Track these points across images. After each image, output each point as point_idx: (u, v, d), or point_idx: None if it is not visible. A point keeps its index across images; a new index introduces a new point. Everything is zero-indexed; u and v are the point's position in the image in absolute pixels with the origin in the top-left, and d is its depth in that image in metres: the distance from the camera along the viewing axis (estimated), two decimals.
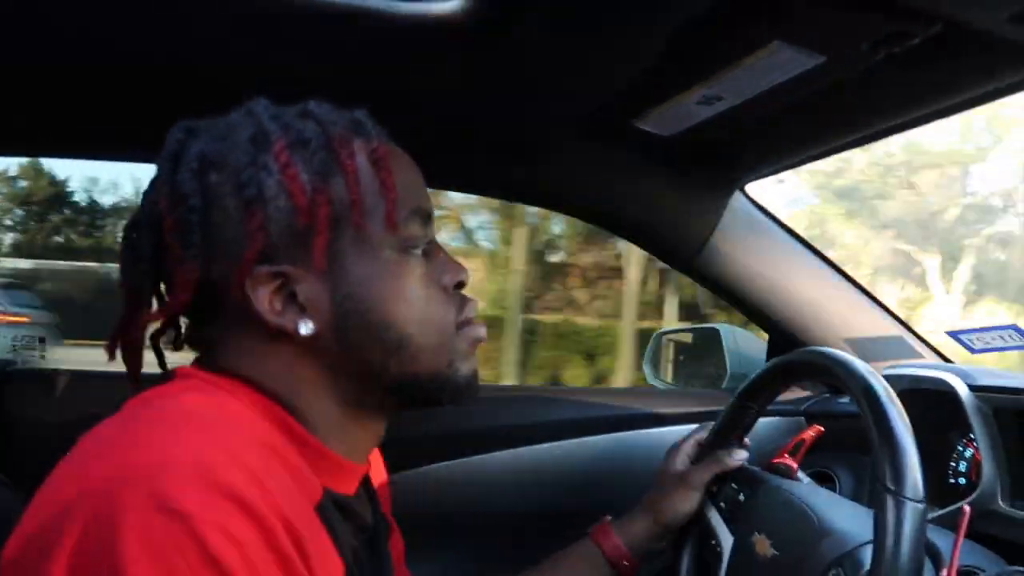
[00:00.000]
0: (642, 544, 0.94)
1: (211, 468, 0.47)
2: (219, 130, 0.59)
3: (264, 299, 0.57)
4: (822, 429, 1.03)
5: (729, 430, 0.99)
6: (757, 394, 0.96)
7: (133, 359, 0.62)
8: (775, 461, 0.96)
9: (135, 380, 0.62)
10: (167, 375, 0.60)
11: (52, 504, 0.47)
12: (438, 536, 1.20)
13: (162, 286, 0.62)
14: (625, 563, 0.93)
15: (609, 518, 0.97)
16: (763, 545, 0.83)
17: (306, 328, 0.58)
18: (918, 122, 0.90)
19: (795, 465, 0.98)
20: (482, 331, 0.67)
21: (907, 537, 0.62)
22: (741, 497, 0.92)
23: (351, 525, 0.63)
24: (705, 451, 0.98)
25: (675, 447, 0.99)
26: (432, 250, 0.64)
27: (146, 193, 0.60)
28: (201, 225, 0.57)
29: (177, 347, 0.64)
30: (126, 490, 0.45)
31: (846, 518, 0.80)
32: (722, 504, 0.94)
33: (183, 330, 0.65)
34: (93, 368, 1.23)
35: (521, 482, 1.27)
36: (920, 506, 0.64)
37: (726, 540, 0.90)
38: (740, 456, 0.95)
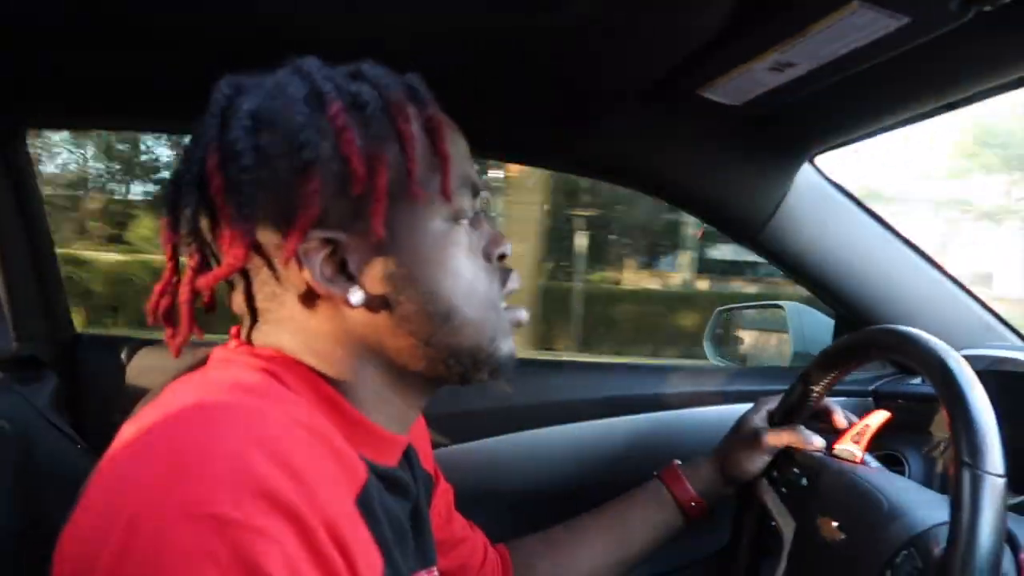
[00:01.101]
0: (708, 489, 0.96)
1: (247, 467, 0.45)
2: (268, 88, 0.57)
3: (316, 266, 0.56)
4: (889, 415, 0.99)
5: (792, 410, 0.97)
6: (822, 374, 0.94)
7: (179, 321, 0.61)
8: (836, 446, 0.94)
9: (178, 347, 0.62)
10: (204, 353, 0.60)
11: (95, 510, 0.47)
12: (479, 515, 1.21)
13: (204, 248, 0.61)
14: (693, 504, 0.95)
15: (678, 462, 0.98)
16: (829, 528, 0.81)
17: (356, 297, 0.57)
18: (1006, 88, 0.84)
19: (859, 455, 0.95)
20: (524, 315, 0.67)
21: (986, 512, 0.60)
22: (804, 482, 0.90)
23: (397, 496, 0.63)
24: (780, 418, 0.97)
25: (761, 401, 0.99)
26: (478, 221, 0.64)
27: (188, 149, 0.58)
28: (254, 185, 0.55)
29: (209, 310, 0.63)
30: (162, 495, 0.45)
31: (917, 501, 0.78)
32: (783, 489, 0.92)
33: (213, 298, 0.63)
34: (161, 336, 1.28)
35: (577, 458, 1.26)
36: (1000, 480, 0.61)
37: (787, 525, 0.88)
38: (817, 443, 0.93)
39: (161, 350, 1.31)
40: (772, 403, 0.98)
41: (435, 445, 1.13)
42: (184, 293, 0.60)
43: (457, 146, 0.62)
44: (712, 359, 1.56)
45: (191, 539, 0.43)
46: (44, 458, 0.86)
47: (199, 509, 0.44)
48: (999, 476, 0.61)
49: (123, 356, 1.29)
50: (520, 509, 1.27)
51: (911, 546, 0.70)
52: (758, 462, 0.94)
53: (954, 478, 0.63)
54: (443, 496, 0.84)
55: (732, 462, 0.95)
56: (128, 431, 0.51)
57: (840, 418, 0.95)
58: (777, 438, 0.94)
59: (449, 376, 0.63)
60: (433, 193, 0.59)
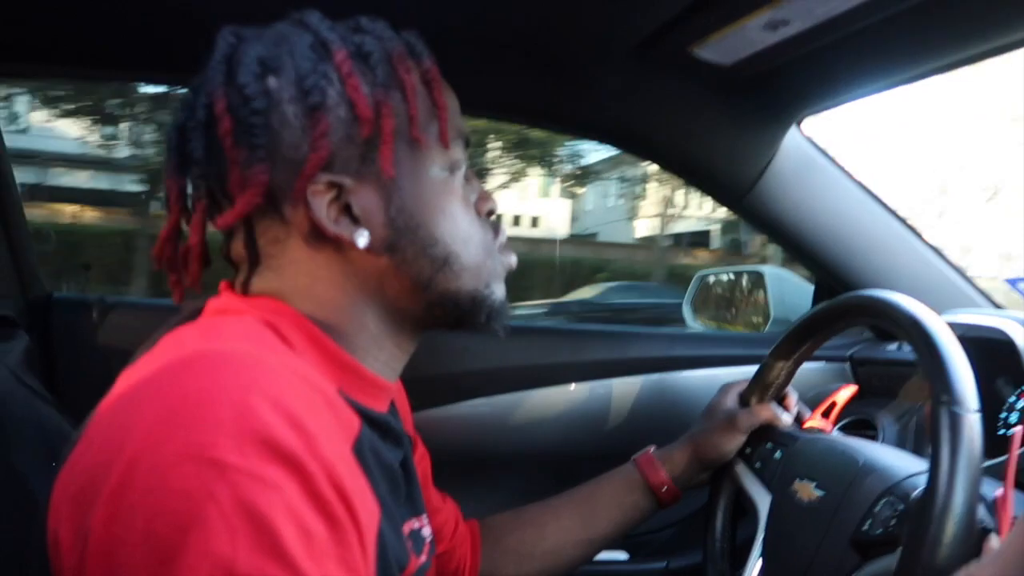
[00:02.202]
0: (682, 475, 0.96)
1: (249, 415, 0.45)
2: (272, 37, 0.59)
3: (322, 208, 0.57)
4: (856, 388, 1.01)
5: (772, 379, 0.98)
6: (794, 346, 0.94)
7: (185, 268, 0.62)
8: (807, 424, 0.95)
9: (181, 292, 0.63)
10: (196, 306, 0.60)
11: (95, 449, 0.47)
12: (466, 475, 1.21)
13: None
14: (665, 489, 0.95)
15: (653, 448, 0.98)
16: (806, 489, 0.82)
17: (362, 239, 0.59)
18: (1001, 50, 0.84)
19: (829, 427, 0.97)
20: (514, 259, 0.69)
21: (964, 447, 0.61)
22: (777, 455, 0.91)
23: (390, 443, 0.64)
24: (752, 396, 0.97)
25: (728, 386, 1.00)
26: (470, 176, 0.67)
27: (192, 95, 0.59)
28: (265, 128, 0.56)
29: (206, 264, 0.64)
30: (164, 438, 0.45)
31: (891, 456, 0.80)
32: (757, 464, 0.93)
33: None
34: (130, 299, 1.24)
35: (558, 421, 1.27)
36: (975, 416, 0.63)
37: (763, 500, 0.89)
38: (790, 416, 0.95)
39: (134, 310, 1.28)
40: (740, 385, 0.99)
41: (414, 409, 1.13)
42: (194, 235, 0.61)
43: (451, 99, 0.64)
44: (691, 324, 1.57)
45: (193, 480, 0.43)
46: (15, 416, 0.84)
47: (201, 453, 0.44)
48: (975, 412, 0.63)
49: (96, 316, 1.25)
50: (500, 472, 1.28)
51: (889, 494, 0.71)
52: (734, 443, 0.95)
53: (931, 417, 0.64)
54: (420, 462, 0.84)
55: (708, 446, 0.95)
56: (128, 376, 0.51)
57: (793, 402, 0.97)
58: (751, 418, 0.94)
59: (446, 319, 0.65)
60: (432, 140, 0.61)
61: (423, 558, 0.67)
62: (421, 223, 0.61)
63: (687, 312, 1.56)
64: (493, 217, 0.69)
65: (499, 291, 0.67)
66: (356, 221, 0.59)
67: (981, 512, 0.64)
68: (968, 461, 0.61)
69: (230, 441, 0.44)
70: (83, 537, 0.45)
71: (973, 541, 0.61)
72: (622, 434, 1.28)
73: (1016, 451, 0.66)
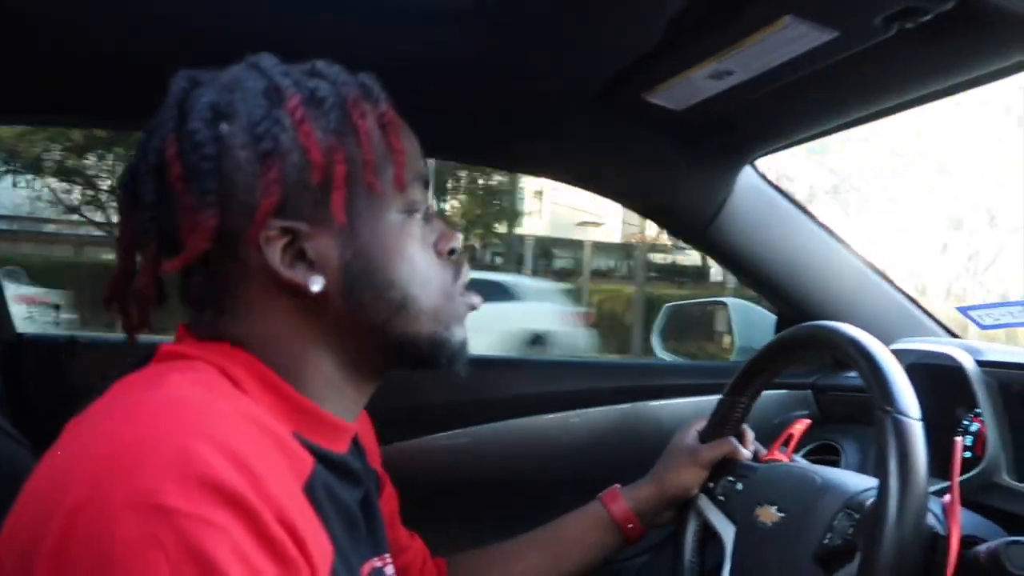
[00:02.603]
0: (648, 512, 0.96)
1: (194, 459, 0.45)
2: (225, 82, 0.59)
3: (275, 253, 0.57)
4: (809, 422, 1.04)
5: (731, 411, 1.00)
6: (757, 373, 0.97)
7: (136, 311, 0.62)
8: (766, 458, 0.98)
9: (133, 334, 0.63)
10: (151, 349, 0.60)
11: (37, 500, 0.47)
12: (442, 505, 1.22)
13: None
14: (631, 526, 0.95)
15: (618, 485, 0.99)
16: (767, 514, 0.84)
17: (317, 284, 0.58)
18: (931, 97, 0.89)
19: (786, 459, 0.99)
20: (477, 299, 0.69)
21: (909, 451, 0.64)
22: (739, 487, 0.93)
23: (348, 483, 0.64)
24: (712, 431, 0.99)
25: (688, 424, 1.01)
26: (429, 216, 0.66)
27: (145, 140, 0.60)
28: (215, 174, 0.56)
29: (160, 302, 0.63)
30: (107, 486, 0.45)
31: (848, 476, 0.82)
32: (720, 498, 0.95)
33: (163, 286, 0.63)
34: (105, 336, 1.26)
35: (527, 452, 1.28)
36: (917, 423, 0.66)
37: (727, 531, 0.91)
38: (749, 450, 0.96)
39: (104, 350, 1.29)
40: (699, 423, 1.01)
41: (386, 441, 1.15)
42: (144, 279, 0.60)
43: (409, 142, 0.64)
44: (660, 355, 1.60)
45: (137, 529, 0.43)
46: None
47: (144, 500, 0.44)
48: (916, 420, 0.66)
49: (66, 356, 1.26)
50: (474, 503, 1.29)
51: (846, 507, 0.74)
52: (696, 479, 0.96)
53: (877, 428, 0.67)
54: (388, 502, 0.84)
55: (671, 482, 0.96)
56: (73, 427, 0.51)
57: (750, 438, 0.99)
58: (712, 452, 0.96)
59: (405, 361, 0.65)
60: (388, 185, 0.61)
61: None
62: (377, 267, 0.61)
63: (656, 343, 1.59)
64: (455, 256, 0.68)
65: (459, 333, 0.66)
66: (311, 266, 0.59)
67: (932, 521, 0.67)
68: (914, 464, 0.64)
69: (174, 486, 0.44)
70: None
71: (925, 543, 0.65)
72: (594, 464, 1.30)
73: (959, 456, 0.70)
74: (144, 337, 0.64)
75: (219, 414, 0.50)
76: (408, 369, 0.67)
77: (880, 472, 0.66)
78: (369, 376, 0.65)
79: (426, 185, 0.66)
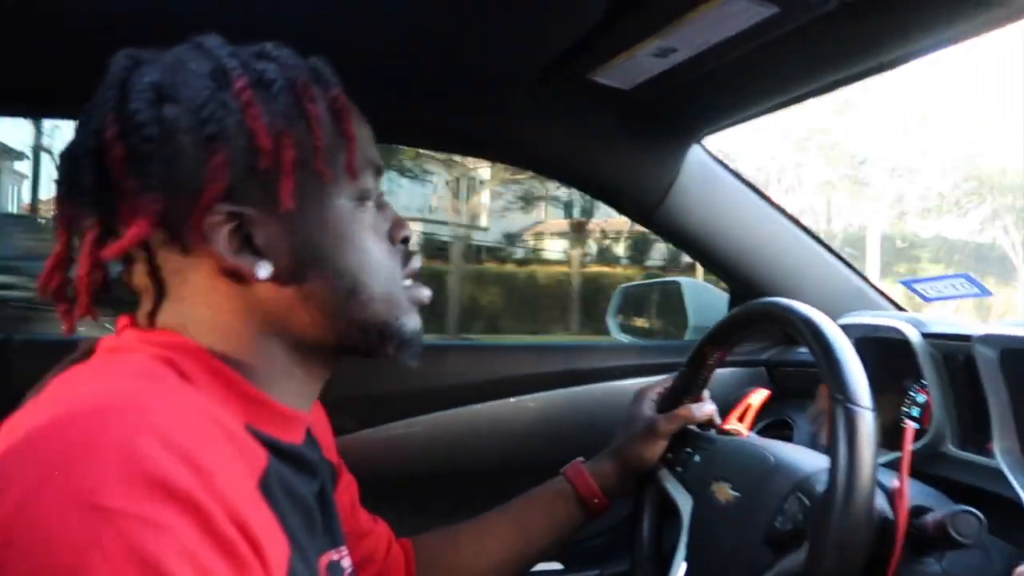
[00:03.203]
0: (611, 485, 0.97)
1: (137, 456, 0.43)
2: (169, 63, 0.56)
3: (221, 239, 0.56)
4: (768, 393, 1.05)
5: (688, 385, 1.01)
6: (712, 350, 0.98)
7: (74, 298, 0.59)
8: (724, 427, 0.99)
9: (71, 322, 0.60)
10: (90, 344, 0.58)
11: None
12: (398, 494, 1.20)
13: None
14: (596, 501, 0.96)
15: (582, 459, 0.99)
16: (723, 491, 0.85)
17: (264, 271, 0.57)
18: (874, 71, 0.89)
19: (745, 432, 1.00)
20: (426, 293, 0.68)
21: (860, 441, 0.65)
22: (697, 459, 0.94)
23: (304, 475, 0.62)
24: (668, 402, 1.00)
25: (642, 393, 1.01)
26: (381, 204, 0.65)
27: (83, 121, 0.57)
28: (156, 158, 0.54)
29: (105, 292, 0.61)
30: (43, 487, 0.43)
31: (801, 455, 0.83)
32: (679, 468, 0.96)
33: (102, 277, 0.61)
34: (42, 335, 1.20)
35: (483, 437, 1.28)
36: (869, 413, 0.66)
37: (685, 503, 0.92)
38: (707, 409, 0.97)
39: (40, 349, 1.24)
40: (654, 390, 1.01)
41: (340, 432, 1.13)
42: (84, 265, 0.58)
43: (361, 128, 0.63)
44: (615, 335, 1.60)
45: (78, 531, 0.41)
46: None
47: (86, 500, 0.42)
48: (868, 409, 0.67)
49: (3, 355, 1.21)
50: (434, 491, 1.27)
51: (797, 490, 0.74)
52: (656, 449, 0.97)
53: (828, 415, 0.67)
54: (347, 489, 0.83)
55: (632, 455, 0.97)
56: (8, 426, 0.48)
57: (707, 398, 1.00)
58: (670, 422, 0.96)
59: (356, 349, 0.64)
60: (339, 171, 0.60)
61: None
62: (327, 254, 0.60)
63: (611, 324, 1.59)
64: (408, 245, 0.67)
65: (410, 322, 0.65)
66: (259, 253, 0.57)
67: (881, 501, 0.68)
68: (864, 454, 0.64)
69: (116, 485, 0.42)
70: None
71: (873, 530, 0.65)
72: (553, 446, 1.29)
73: (909, 445, 0.71)
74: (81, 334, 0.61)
75: (166, 408, 0.48)
76: (360, 357, 0.66)
77: (831, 461, 0.66)
78: (321, 364, 0.64)
79: (379, 172, 0.65)
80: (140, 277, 0.59)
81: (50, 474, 0.43)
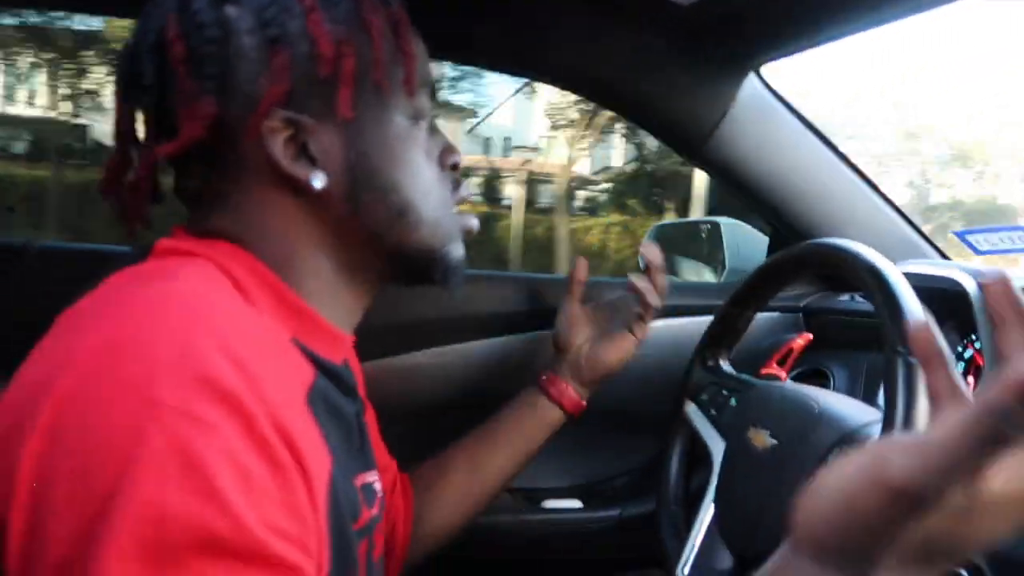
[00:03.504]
0: (585, 388, 0.97)
1: (193, 355, 0.44)
2: None
3: (278, 146, 0.56)
4: (811, 337, 1.02)
5: (734, 325, 0.97)
6: (757, 290, 0.94)
7: (132, 199, 0.59)
8: (763, 372, 0.96)
9: (133, 226, 0.60)
10: (145, 248, 0.57)
11: (28, 384, 0.45)
12: (422, 424, 1.19)
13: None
14: (576, 405, 0.96)
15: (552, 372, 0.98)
16: (760, 438, 0.82)
17: (319, 181, 0.57)
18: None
19: (784, 375, 0.97)
20: (475, 221, 0.68)
21: (919, 395, 0.61)
22: (733, 402, 0.91)
23: (343, 394, 0.62)
24: (711, 348, 0.98)
25: (565, 301, 1.01)
26: (434, 128, 0.66)
27: (145, 19, 0.57)
28: (217, 59, 0.54)
29: (156, 200, 0.61)
30: (99, 376, 0.43)
31: (847, 405, 0.80)
32: (713, 411, 0.93)
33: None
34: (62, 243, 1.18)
35: (511, 372, 1.25)
36: None
37: (716, 446, 0.90)
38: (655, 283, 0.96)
39: (65, 255, 1.21)
40: (567, 306, 1.00)
41: (372, 358, 1.11)
42: (144, 166, 0.58)
43: (420, 48, 0.62)
44: None
45: (123, 421, 0.42)
46: None
47: (136, 391, 0.42)
48: None
49: (22, 261, 1.19)
50: (460, 420, 1.26)
51: (843, 442, 0.72)
52: (629, 350, 0.97)
53: (887, 366, 0.64)
54: (371, 422, 0.83)
55: (603, 361, 0.96)
56: (66, 316, 0.49)
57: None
58: (589, 308, 0.98)
59: (401, 273, 0.65)
60: (396, 87, 0.60)
61: (375, 511, 0.65)
62: (381, 169, 0.59)
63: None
64: (457, 172, 0.67)
65: (456, 250, 0.66)
66: (314, 162, 0.57)
67: None
68: (922, 410, 0.61)
69: (168, 380, 0.43)
70: (7, 475, 0.43)
71: None
72: None
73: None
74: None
75: (220, 309, 0.49)
76: (403, 284, 0.66)
77: (885, 415, 0.63)
78: (366, 285, 0.65)
79: (433, 93, 0.64)
80: (193, 184, 0.59)
81: (104, 365, 0.44)
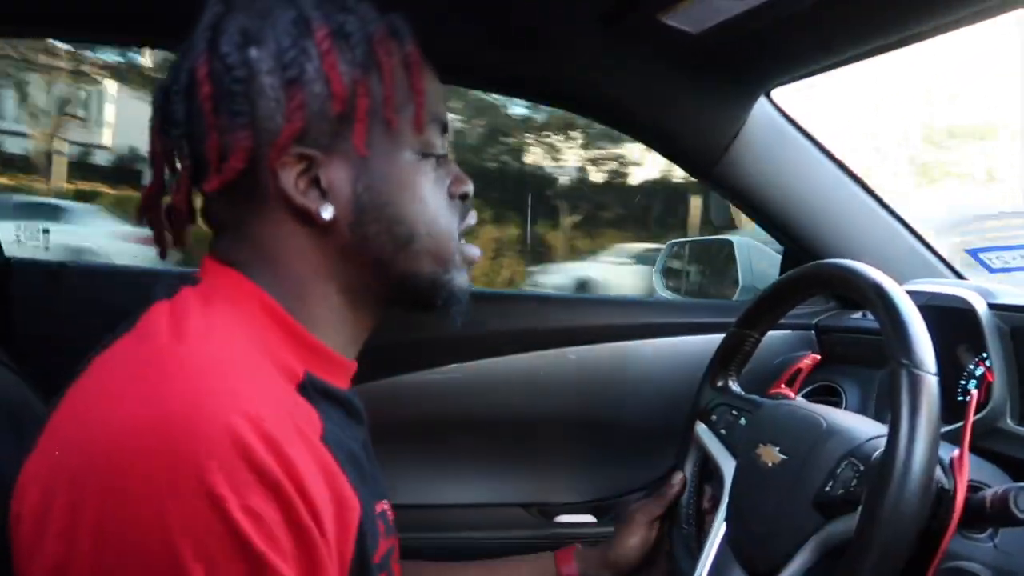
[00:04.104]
0: (592, 572, 0.96)
1: (237, 441, 0.47)
2: (258, 9, 0.60)
3: (291, 179, 0.59)
4: (818, 357, 1.03)
5: (731, 354, 0.99)
6: (765, 311, 0.95)
7: (166, 226, 0.64)
8: (772, 391, 0.97)
9: (163, 247, 0.65)
10: (174, 283, 0.60)
11: (69, 452, 0.48)
12: (432, 441, 1.21)
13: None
14: None
15: (579, 545, 0.99)
16: (769, 453, 0.83)
17: (327, 212, 0.60)
18: (961, 23, 0.84)
19: (792, 394, 0.98)
20: (476, 252, 0.71)
21: (924, 406, 0.62)
22: (742, 421, 0.92)
23: (353, 421, 0.66)
24: (720, 365, 0.98)
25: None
26: (444, 160, 0.68)
27: (178, 60, 0.61)
28: (245, 96, 0.58)
29: (189, 222, 0.66)
30: (142, 460, 0.46)
31: (854, 421, 0.81)
32: (722, 431, 0.94)
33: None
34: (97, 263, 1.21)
35: (522, 389, 1.27)
36: (934, 378, 0.64)
37: (727, 464, 0.91)
38: (676, 480, 0.98)
39: (97, 276, 1.25)
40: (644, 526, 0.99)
41: (378, 377, 1.12)
42: (180, 194, 0.62)
43: (431, 85, 0.66)
44: (661, 292, 1.58)
45: (183, 511, 0.45)
46: None
47: (193, 486, 0.45)
48: (932, 374, 0.64)
49: (58, 281, 1.23)
50: (465, 439, 1.28)
51: (851, 456, 0.73)
52: (636, 536, 0.96)
53: (891, 379, 0.65)
54: None
55: (618, 545, 0.96)
56: (103, 367, 0.52)
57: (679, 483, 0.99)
58: (646, 509, 0.97)
59: (405, 300, 0.68)
60: (406, 124, 0.63)
61: (391, 540, 0.68)
62: (388, 202, 0.62)
63: (657, 280, 1.56)
64: (467, 201, 0.70)
65: (459, 277, 0.68)
66: (324, 195, 0.60)
67: (938, 473, 0.66)
68: (926, 421, 0.62)
69: (221, 471, 0.46)
70: (54, 534, 0.46)
71: (930, 500, 0.63)
72: (590, 400, 1.29)
73: (971, 415, 0.68)
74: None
75: (248, 378, 0.52)
76: (406, 310, 0.69)
77: (891, 426, 0.64)
78: (370, 312, 0.67)
79: (444, 129, 0.67)
80: (218, 213, 0.63)
81: (155, 452, 0.46)
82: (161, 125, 0.62)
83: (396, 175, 0.63)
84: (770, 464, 0.82)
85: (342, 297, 0.64)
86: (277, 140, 0.58)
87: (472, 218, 0.71)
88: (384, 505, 0.69)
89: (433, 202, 0.65)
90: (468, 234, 0.71)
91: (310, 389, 0.60)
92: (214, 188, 0.59)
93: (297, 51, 0.58)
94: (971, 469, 0.68)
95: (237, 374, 0.52)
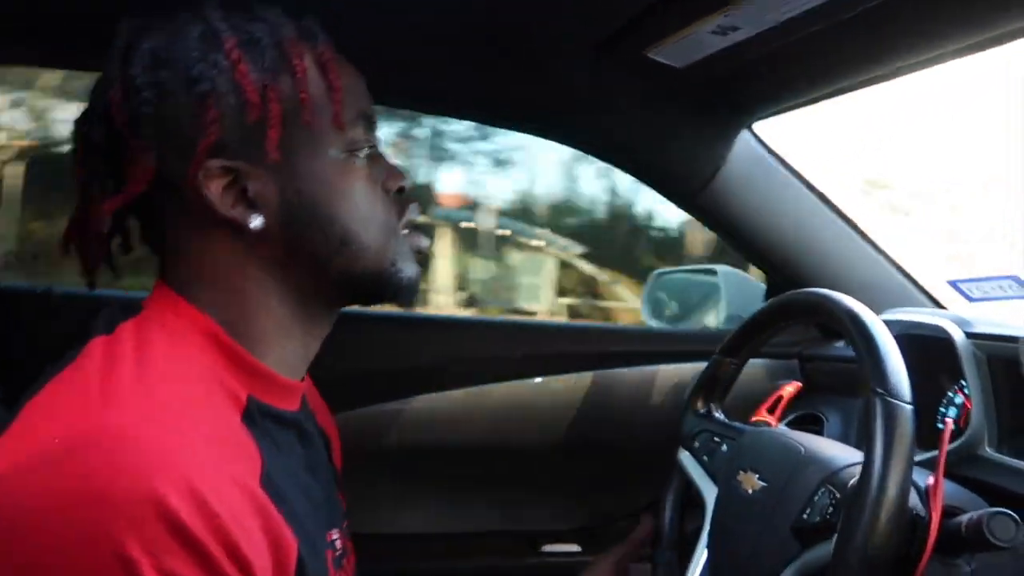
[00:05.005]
0: None
1: (158, 504, 0.46)
2: (168, 29, 0.60)
3: (216, 192, 0.59)
4: (800, 385, 1.04)
5: (713, 384, 1.00)
6: (746, 340, 0.97)
7: (89, 252, 0.64)
8: (753, 419, 0.98)
9: (91, 276, 0.65)
10: (114, 315, 0.60)
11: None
12: (416, 470, 1.20)
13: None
14: None
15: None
16: (750, 480, 0.84)
17: (256, 222, 0.60)
18: (941, 59, 0.87)
19: (774, 421, 0.99)
20: (424, 241, 0.71)
21: (898, 435, 0.64)
22: (724, 448, 0.93)
23: (302, 442, 0.65)
24: (700, 393, 0.99)
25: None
26: (375, 155, 0.67)
27: (96, 87, 0.62)
28: (155, 119, 0.58)
29: (126, 251, 0.66)
30: (69, 527, 0.46)
31: (833, 446, 0.82)
32: (704, 458, 0.95)
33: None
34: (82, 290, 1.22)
35: (507, 416, 1.27)
36: (908, 407, 0.65)
37: (709, 491, 0.91)
38: (645, 524, 1.00)
39: (78, 303, 1.25)
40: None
41: (360, 405, 1.11)
42: (93, 220, 0.62)
43: (352, 81, 0.65)
44: (647, 321, 1.59)
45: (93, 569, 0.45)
46: None
47: (106, 546, 0.45)
48: (907, 403, 0.66)
49: (42, 306, 1.22)
50: (449, 468, 1.27)
51: (828, 483, 0.73)
52: None
53: (866, 407, 0.66)
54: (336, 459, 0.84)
55: None
56: (37, 414, 0.52)
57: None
58: (616, 552, 1.00)
59: (350, 298, 0.68)
60: (327, 123, 0.62)
61: (342, 572, 0.68)
62: (318, 205, 0.62)
63: (644, 309, 1.58)
64: (404, 194, 0.69)
65: (407, 269, 0.68)
66: (252, 205, 0.60)
67: (914, 500, 0.67)
68: (900, 449, 0.63)
69: (137, 534, 0.46)
70: None
71: (905, 526, 0.64)
72: (576, 428, 1.29)
73: (946, 443, 0.69)
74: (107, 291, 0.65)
75: (180, 430, 0.51)
76: (358, 304, 0.69)
77: (865, 454, 0.65)
78: (319, 317, 0.67)
79: (370, 123, 0.66)
80: (155, 236, 0.64)
81: (73, 516, 0.46)
82: (83, 151, 0.62)
83: (323, 176, 0.62)
84: (750, 491, 0.83)
85: (286, 307, 0.64)
86: (195, 156, 0.58)
87: (413, 211, 0.70)
88: (335, 534, 0.68)
89: (366, 199, 0.64)
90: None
91: (255, 415, 0.59)
92: (114, 209, 0.60)
93: (206, 65, 0.58)
94: (948, 495, 0.70)
95: (167, 428, 0.51)
